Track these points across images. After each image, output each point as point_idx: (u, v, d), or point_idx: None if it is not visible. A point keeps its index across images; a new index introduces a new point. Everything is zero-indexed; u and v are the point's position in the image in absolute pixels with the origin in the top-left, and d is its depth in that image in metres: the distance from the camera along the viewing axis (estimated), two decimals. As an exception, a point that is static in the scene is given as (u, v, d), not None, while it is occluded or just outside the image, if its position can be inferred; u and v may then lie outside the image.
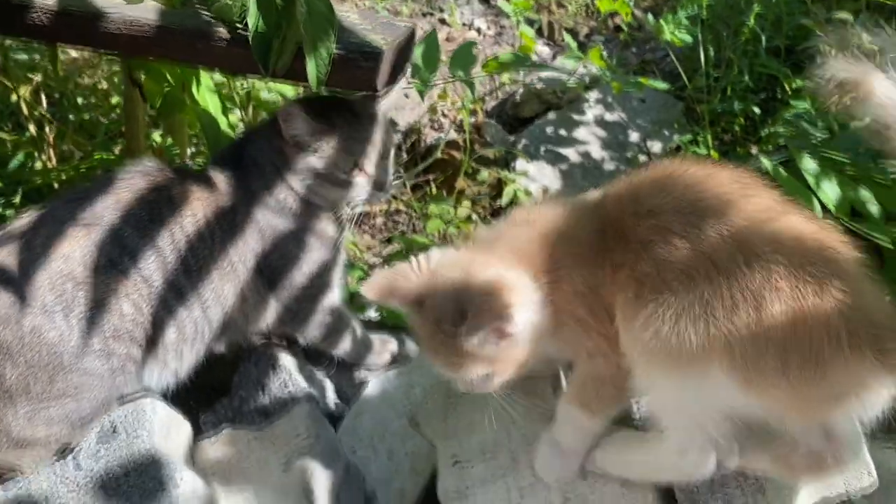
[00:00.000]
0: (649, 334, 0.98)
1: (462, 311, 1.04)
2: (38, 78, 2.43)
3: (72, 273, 1.37)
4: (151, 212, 1.45)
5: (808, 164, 1.40)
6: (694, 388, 0.98)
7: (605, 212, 1.13)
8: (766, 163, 1.42)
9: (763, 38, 2.49)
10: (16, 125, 2.50)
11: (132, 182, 1.47)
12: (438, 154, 2.59)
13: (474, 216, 2.46)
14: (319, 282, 1.62)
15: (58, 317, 1.34)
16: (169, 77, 1.73)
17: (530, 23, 3.12)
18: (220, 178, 1.52)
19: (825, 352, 0.91)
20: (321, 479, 1.24)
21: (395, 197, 2.62)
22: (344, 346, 1.73)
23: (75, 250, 1.37)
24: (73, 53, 2.92)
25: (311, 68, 1.24)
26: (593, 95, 2.77)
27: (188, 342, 1.51)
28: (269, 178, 1.51)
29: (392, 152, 1.60)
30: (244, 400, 1.65)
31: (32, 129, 2.21)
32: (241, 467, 1.28)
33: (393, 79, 1.45)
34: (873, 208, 1.38)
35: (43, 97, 2.40)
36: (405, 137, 2.77)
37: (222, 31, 1.35)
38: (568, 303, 1.10)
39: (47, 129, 2.23)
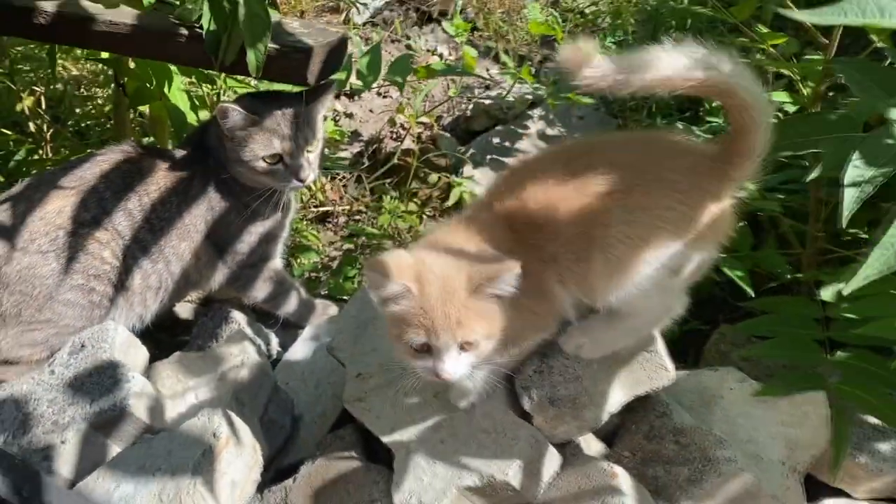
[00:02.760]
0: (612, 265, 1.30)
1: (472, 276, 1.22)
2: (40, 90, 2.82)
3: (63, 224, 1.70)
4: (125, 179, 1.79)
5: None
6: (661, 264, 1.30)
7: (509, 220, 1.37)
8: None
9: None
10: (20, 132, 2.85)
11: (111, 156, 1.82)
12: (395, 160, 2.93)
13: (424, 213, 2.81)
14: (260, 251, 1.95)
15: (50, 256, 1.68)
16: (146, 80, 2.09)
17: (488, 50, 3.51)
18: (181, 157, 1.87)
19: (713, 185, 1.30)
20: (248, 387, 1.55)
21: (356, 198, 2.97)
22: (288, 308, 2.06)
23: (66, 206, 1.72)
24: (74, 71, 3.31)
25: (251, 58, 1.59)
26: (537, 112, 3.12)
27: (152, 291, 1.84)
28: (218, 160, 1.84)
29: (315, 148, 1.84)
30: (201, 348, 1.97)
31: (33, 126, 2.57)
32: (185, 380, 1.60)
33: (325, 75, 1.79)
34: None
35: (43, 102, 2.77)
36: (367, 146, 3.13)
37: (184, 31, 1.71)
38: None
39: (45, 127, 2.59)
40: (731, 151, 1.28)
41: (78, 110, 3.08)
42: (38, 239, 1.68)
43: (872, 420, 1.57)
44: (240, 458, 1.32)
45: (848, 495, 1.56)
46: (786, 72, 1.73)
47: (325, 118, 3.00)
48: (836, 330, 1.59)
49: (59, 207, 1.71)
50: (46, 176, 1.78)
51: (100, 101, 3.19)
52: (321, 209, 2.98)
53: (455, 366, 1.25)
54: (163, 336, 2.18)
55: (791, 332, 1.61)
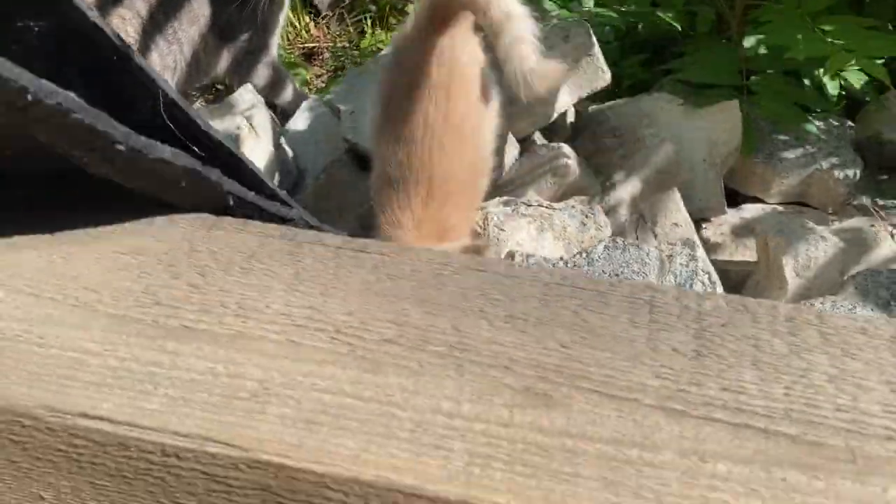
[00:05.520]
0: None
1: None
2: None
3: (90, 2, 2.00)
4: (139, -32, 2.10)
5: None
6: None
7: None
8: None
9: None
10: None
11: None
12: (374, -5, 3.23)
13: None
14: (256, 40, 2.28)
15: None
16: None
17: None
18: (189, -47, 2.17)
19: None
20: (258, 123, 1.90)
21: (339, 35, 3.28)
22: (285, 97, 2.40)
23: (87, -13, 2.02)
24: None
25: None
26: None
27: (169, 70, 2.17)
28: None
29: None
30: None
31: None
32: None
33: None
34: None
35: None
36: (349, -15, 3.42)
37: None
38: None
39: None
40: None
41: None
42: (69, 13, 1.99)
43: (781, 137, 1.95)
44: (259, 145, 1.69)
45: (763, 201, 1.94)
46: None
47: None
48: (752, 63, 1.96)
49: (84, -13, 2.02)
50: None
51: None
52: (307, 46, 3.29)
53: None
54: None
55: (715, 62, 1.97)
